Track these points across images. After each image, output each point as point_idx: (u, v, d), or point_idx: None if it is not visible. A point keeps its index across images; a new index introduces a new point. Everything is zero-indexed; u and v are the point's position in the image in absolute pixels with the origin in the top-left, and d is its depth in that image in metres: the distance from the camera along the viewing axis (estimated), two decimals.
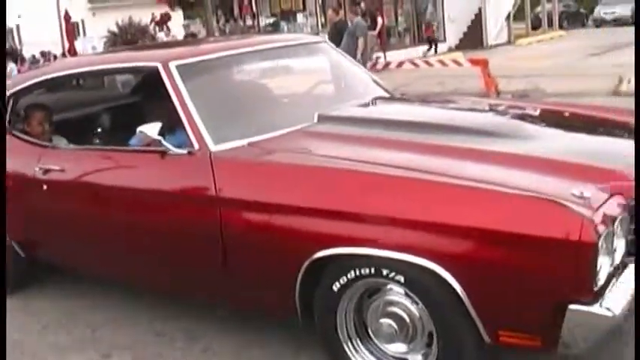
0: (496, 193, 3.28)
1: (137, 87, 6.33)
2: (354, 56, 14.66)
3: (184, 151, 4.18)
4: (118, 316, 4.99)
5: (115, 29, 24.78)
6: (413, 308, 3.53)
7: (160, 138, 4.20)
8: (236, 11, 30.68)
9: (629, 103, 12.41)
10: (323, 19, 25.42)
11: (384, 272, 3.43)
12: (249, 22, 29.82)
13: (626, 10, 38.99)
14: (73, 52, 26.44)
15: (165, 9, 28.96)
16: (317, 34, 25.21)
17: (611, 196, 3.31)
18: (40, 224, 5.11)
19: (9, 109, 5.28)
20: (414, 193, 3.44)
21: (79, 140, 5.29)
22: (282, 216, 3.72)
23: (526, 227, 3.10)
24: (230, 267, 3.99)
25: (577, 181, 3.32)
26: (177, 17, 29.27)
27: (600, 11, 40.55)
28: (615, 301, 3.16)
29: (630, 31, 33.34)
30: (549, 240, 3.04)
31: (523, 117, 4.78)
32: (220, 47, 5.13)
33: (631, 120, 4.75)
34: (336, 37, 15.45)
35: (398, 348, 3.66)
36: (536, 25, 36.85)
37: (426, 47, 28.98)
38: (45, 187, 4.83)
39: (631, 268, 3.39)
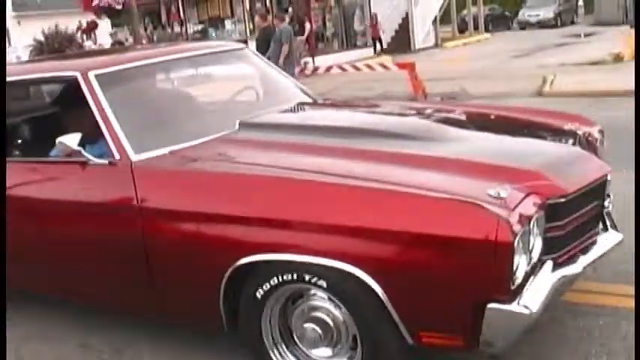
0: (414, 196, 3.32)
1: (58, 97, 6.22)
2: (278, 62, 14.68)
3: (105, 162, 4.13)
4: (43, 329, 4.89)
5: (41, 38, 24.30)
6: (336, 312, 3.54)
7: (79, 149, 4.15)
8: (164, 18, 30.43)
9: (552, 103, 12.76)
10: (251, 26, 25.36)
11: (307, 278, 3.44)
12: (177, 29, 29.58)
13: (549, 12, 39.94)
14: None
15: (92, 17, 28.57)
16: (245, 40, 25.15)
17: (527, 195, 3.38)
18: None
19: None
20: (333, 198, 3.45)
21: None
22: (204, 224, 3.71)
23: (444, 229, 3.15)
24: (154, 278, 3.96)
25: (494, 182, 3.38)
26: (105, 25, 28.88)
27: (525, 14, 41.42)
28: (532, 299, 3.23)
29: (553, 32, 34.25)
30: (466, 241, 3.09)
31: (445, 120, 4.83)
32: (141, 56, 5.07)
33: (550, 120, 4.86)
34: (264, 43, 15.44)
35: (323, 352, 3.68)
36: (462, 29, 37.45)
37: (375, 48, 29.41)
38: None
39: (548, 266, 3.47)
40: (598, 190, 3.93)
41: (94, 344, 4.63)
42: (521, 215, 3.21)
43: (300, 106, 5.26)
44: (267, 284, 3.56)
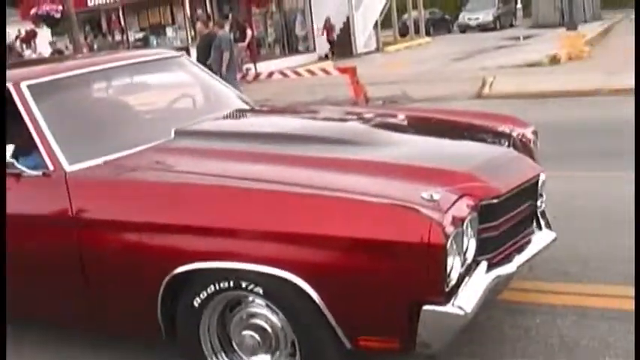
0: (347, 201, 3.34)
1: None
2: (220, 70, 14.63)
3: (39, 173, 4.07)
4: None
5: None
6: (274, 319, 3.54)
7: (13, 160, 4.08)
8: (105, 26, 30.14)
9: (491, 105, 12.92)
10: (193, 33, 25.19)
11: (243, 285, 3.44)
12: (118, 37, 29.32)
13: (489, 15, 40.51)
14: None
15: (30, 26, 28.18)
16: (187, 47, 25.04)
17: (460, 197, 3.42)
18: None
19: None
20: (268, 204, 3.46)
21: None
22: (139, 234, 3.68)
23: (377, 233, 3.17)
24: (91, 289, 3.91)
25: (427, 185, 3.41)
26: (46, 34, 28.52)
27: (465, 17, 41.94)
28: (467, 300, 3.27)
29: (493, 35, 34.72)
30: (400, 244, 3.12)
31: (381, 124, 4.87)
32: (76, 65, 5.01)
33: (485, 122, 4.92)
34: (206, 50, 15.38)
35: (262, 359, 3.67)
36: (403, 32, 37.72)
37: (333, 51, 29.58)
38: None
39: (482, 267, 3.51)
40: (531, 190, 4.00)
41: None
42: (454, 217, 3.25)
43: (237, 112, 5.25)
44: (204, 292, 3.55)
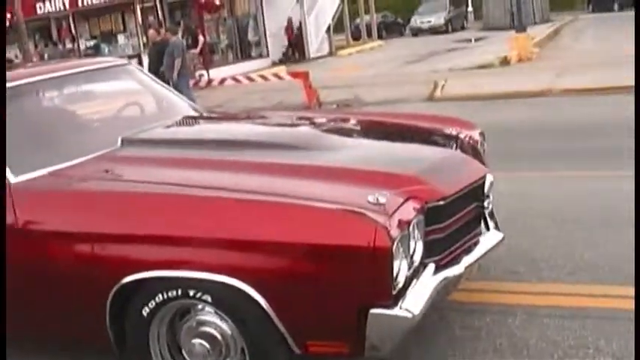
0: (293, 207, 3.35)
1: None
2: (172, 76, 14.56)
3: None
4: None
5: None
6: (224, 326, 3.52)
7: None
8: (55, 35, 29.80)
9: (443, 107, 13.04)
10: (145, 40, 25.02)
11: (191, 293, 3.42)
12: (69, 45, 29.00)
13: (440, 19, 40.86)
14: None
15: None
16: (139, 55, 24.91)
17: (406, 200, 3.44)
18: None
19: None
20: (212, 212, 3.45)
21: None
22: (87, 244, 3.64)
23: (323, 238, 3.18)
24: (40, 301, 3.86)
25: (373, 189, 3.42)
26: None
27: (416, 20, 42.19)
28: (414, 302, 3.29)
29: (445, 38, 35.01)
30: (346, 248, 3.13)
31: (330, 129, 4.88)
32: (20, 75, 4.94)
33: (433, 125, 4.96)
34: (158, 57, 15.29)
35: None
36: (356, 36, 37.85)
37: (294, 52, 29.76)
38: None
39: (430, 269, 3.53)
40: (478, 191, 4.03)
41: None
42: (400, 220, 3.26)
43: (186, 120, 5.22)
44: (153, 302, 3.52)
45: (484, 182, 4.09)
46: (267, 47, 30.70)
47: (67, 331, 3.98)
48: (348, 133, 4.80)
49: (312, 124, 5.16)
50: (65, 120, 5.10)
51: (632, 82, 13.11)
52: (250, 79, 17.11)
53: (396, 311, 3.21)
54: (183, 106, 5.62)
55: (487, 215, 4.26)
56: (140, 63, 21.69)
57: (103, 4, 27.01)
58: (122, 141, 4.43)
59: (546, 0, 42.35)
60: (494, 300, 4.69)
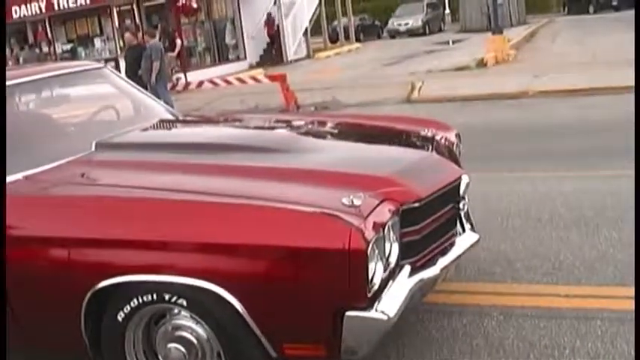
0: (267, 210, 3.34)
1: None
2: (150, 79, 14.53)
3: None
4: None
5: None
6: (200, 330, 3.50)
7: None
8: (31, 39, 29.60)
9: (420, 109, 13.09)
10: (122, 43, 24.89)
11: (166, 297, 3.40)
12: (45, 49, 28.81)
13: (418, 21, 40.96)
14: None
15: None
16: (115, 58, 24.78)
17: (381, 202, 3.43)
18: None
19: None
20: (187, 215, 3.43)
21: None
22: (62, 249, 3.60)
23: (298, 240, 3.17)
24: (14, 306, 3.83)
25: (348, 191, 3.41)
26: None
27: (394, 23, 42.23)
28: (390, 304, 3.29)
29: (422, 40, 35.12)
30: (321, 251, 3.12)
31: (306, 131, 4.89)
32: None
33: (409, 127, 4.97)
34: (135, 61, 15.26)
35: None
36: (333, 39, 37.84)
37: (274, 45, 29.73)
38: None
39: (406, 271, 3.54)
40: (453, 192, 4.03)
41: None
42: (374, 222, 3.26)
43: (161, 123, 5.20)
44: (128, 306, 3.50)
45: (460, 183, 4.09)
46: (244, 50, 30.66)
47: (42, 337, 3.95)
48: (324, 135, 4.81)
49: (289, 126, 5.15)
50: (40, 123, 5.07)
51: (608, 84, 13.31)
52: (228, 82, 17.09)
53: (371, 313, 3.20)
54: (159, 109, 5.60)
55: (463, 216, 4.27)
56: (117, 67, 21.59)
57: (80, 7, 26.81)
58: (96, 145, 4.40)
59: (522, 2, 42.55)
60: (470, 301, 4.70)
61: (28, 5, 27.27)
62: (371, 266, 3.18)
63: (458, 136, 4.99)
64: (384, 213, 3.38)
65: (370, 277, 3.20)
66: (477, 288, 4.89)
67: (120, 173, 4.02)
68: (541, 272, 5.03)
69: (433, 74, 19.28)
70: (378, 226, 3.27)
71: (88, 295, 3.51)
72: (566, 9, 48.76)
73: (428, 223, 3.73)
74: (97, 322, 3.63)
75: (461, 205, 4.16)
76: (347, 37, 38.12)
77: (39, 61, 24.88)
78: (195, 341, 3.54)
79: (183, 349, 3.55)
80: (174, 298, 3.39)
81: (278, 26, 30.71)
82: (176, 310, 3.53)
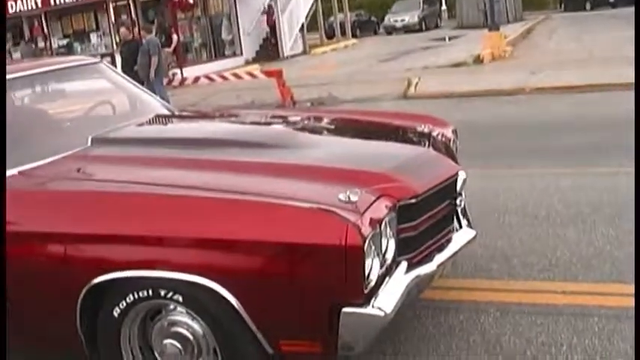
0: (264, 205, 3.33)
1: None
2: (148, 74, 14.49)
3: None
4: None
5: None
6: (196, 326, 3.49)
7: None
8: (27, 34, 29.52)
9: (417, 105, 13.08)
10: (118, 38, 24.83)
11: (162, 293, 3.38)
12: (41, 44, 28.75)
13: (414, 17, 40.93)
14: None
15: None
16: (111, 54, 24.74)
17: (378, 198, 3.42)
18: None
19: None
20: (184, 211, 3.41)
21: None
22: (58, 245, 3.58)
23: (295, 236, 3.16)
24: (12, 302, 3.80)
25: (345, 187, 3.39)
26: None
27: (390, 19, 42.22)
28: (387, 300, 3.28)
29: (419, 37, 35.10)
30: (318, 247, 3.11)
31: (303, 127, 4.87)
32: None
33: (405, 123, 4.95)
34: (131, 56, 15.22)
35: None
36: (330, 35, 37.80)
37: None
38: None
39: (402, 267, 3.52)
40: (450, 189, 4.02)
41: None
42: (371, 218, 3.24)
43: (157, 118, 5.18)
44: (124, 302, 3.48)
45: (456, 180, 4.08)
46: (240, 46, 30.60)
47: (38, 333, 3.93)
48: (320, 131, 4.80)
49: (285, 122, 5.14)
50: (36, 118, 5.06)
51: (605, 81, 13.31)
52: (224, 77, 17.07)
53: (368, 310, 3.19)
54: (155, 104, 5.58)
55: (460, 213, 4.26)
56: (113, 62, 21.56)
57: (76, 2, 26.76)
58: (92, 140, 4.38)
59: None
60: (467, 297, 4.69)
61: (25, 0, 27.21)
62: (368, 262, 3.16)
63: (455, 132, 4.98)
64: (381, 209, 3.37)
65: (367, 274, 3.18)
66: (474, 284, 4.89)
67: (116, 168, 4.00)
68: (538, 269, 5.02)
69: (430, 70, 19.26)
70: (375, 222, 3.26)
71: (84, 290, 3.49)
72: (562, 5, 48.84)
73: (425, 219, 3.72)
74: (93, 317, 3.61)
75: (458, 202, 4.15)
76: (343, 33, 38.11)
77: (35, 56, 24.83)
78: (191, 337, 3.52)
79: (179, 345, 3.54)
80: (170, 294, 3.37)
81: (274, 28, 30.68)
82: (172, 306, 3.51)
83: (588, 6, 45.55)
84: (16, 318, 3.85)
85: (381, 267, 3.35)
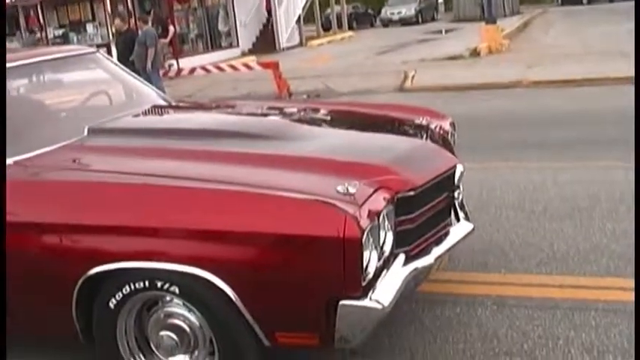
0: (261, 197, 3.31)
1: None
2: (145, 65, 14.44)
3: None
4: None
5: None
6: (192, 318, 3.48)
7: None
8: (23, 23, 29.42)
9: (413, 98, 13.06)
10: (114, 29, 24.78)
11: (159, 284, 3.37)
12: (37, 34, 28.64)
13: (411, 10, 40.90)
14: None
15: None
16: (107, 44, 24.64)
17: (376, 190, 3.41)
18: None
19: None
20: (180, 202, 3.40)
21: None
22: (54, 235, 3.57)
23: (292, 228, 3.14)
24: (8, 292, 3.79)
25: (343, 179, 3.38)
26: None
27: (387, 11, 42.19)
28: (384, 293, 3.27)
29: (415, 29, 35.07)
30: (315, 239, 3.09)
31: (300, 119, 4.85)
32: None
33: (403, 115, 4.94)
34: (126, 47, 15.16)
35: (180, 359, 3.60)
36: (326, 27, 37.76)
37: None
38: None
39: (400, 259, 3.51)
40: (448, 181, 4.00)
41: None
42: (369, 210, 3.23)
43: (154, 109, 5.16)
44: (120, 293, 3.47)
45: (454, 172, 4.07)
46: (237, 37, 30.55)
47: (34, 324, 3.92)
48: (318, 123, 4.78)
49: (282, 114, 5.12)
50: (31, 108, 5.02)
51: (602, 75, 13.31)
52: (220, 68, 17.03)
53: (365, 302, 3.18)
54: (151, 95, 5.55)
55: (457, 206, 4.25)
56: (109, 52, 21.46)
57: None
58: (89, 130, 4.36)
59: None
60: (464, 290, 4.68)
61: None
62: (365, 255, 3.15)
63: (452, 124, 4.96)
64: (379, 201, 3.36)
65: (365, 266, 3.17)
66: (471, 278, 4.88)
67: (112, 159, 3.98)
68: (535, 262, 5.01)
69: (426, 63, 19.23)
70: (373, 215, 3.24)
71: (80, 281, 3.48)
72: None
73: (422, 212, 3.70)
74: (89, 309, 3.60)
75: (455, 195, 4.14)
76: (340, 26, 38.04)
77: (31, 46, 24.72)
78: (187, 329, 3.52)
79: (175, 337, 3.54)
80: (166, 285, 3.36)
81: (270, 12, 30.64)
82: (168, 298, 3.50)
83: (585, 0, 45.53)
84: (12, 308, 3.83)
85: (379, 259, 3.34)
